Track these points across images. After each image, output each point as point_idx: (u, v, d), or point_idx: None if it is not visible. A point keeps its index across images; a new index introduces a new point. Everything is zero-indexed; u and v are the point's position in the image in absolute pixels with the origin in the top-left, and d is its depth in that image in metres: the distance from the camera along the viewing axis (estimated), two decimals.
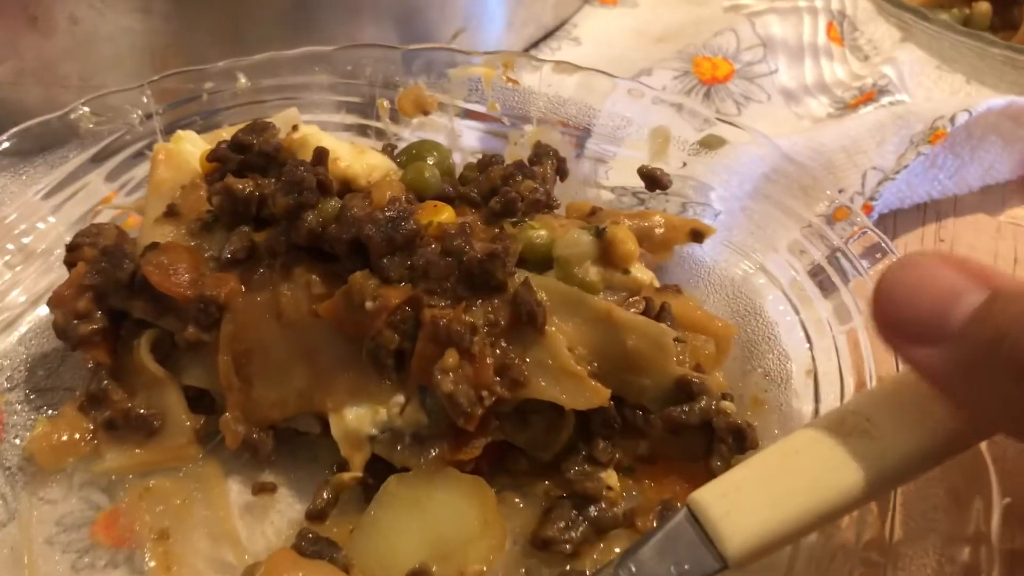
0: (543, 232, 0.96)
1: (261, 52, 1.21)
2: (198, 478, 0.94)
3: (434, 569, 0.82)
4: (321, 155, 0.97)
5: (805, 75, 1.47)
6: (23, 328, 1.04)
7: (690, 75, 1.43)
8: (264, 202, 0.96)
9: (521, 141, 1.18)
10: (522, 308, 0.88)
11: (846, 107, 1.41)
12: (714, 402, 0.89)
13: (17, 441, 0.96)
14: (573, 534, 0.85)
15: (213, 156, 1.03)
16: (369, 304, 0.87)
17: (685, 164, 1.12)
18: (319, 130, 1.07)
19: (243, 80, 1.19)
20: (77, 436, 0.95)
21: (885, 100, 1.37)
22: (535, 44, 1.57)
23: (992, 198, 1.30)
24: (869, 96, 1.39)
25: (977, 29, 1.49)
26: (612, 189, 1.17)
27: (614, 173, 1.17)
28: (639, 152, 1.14)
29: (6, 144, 1.08)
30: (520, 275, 0.91)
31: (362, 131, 1.22)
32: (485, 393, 0.84)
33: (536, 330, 0.88)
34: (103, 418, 0.95)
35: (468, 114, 1.22)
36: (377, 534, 0.85)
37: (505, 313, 0.89)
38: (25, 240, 1.08)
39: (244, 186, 0.96)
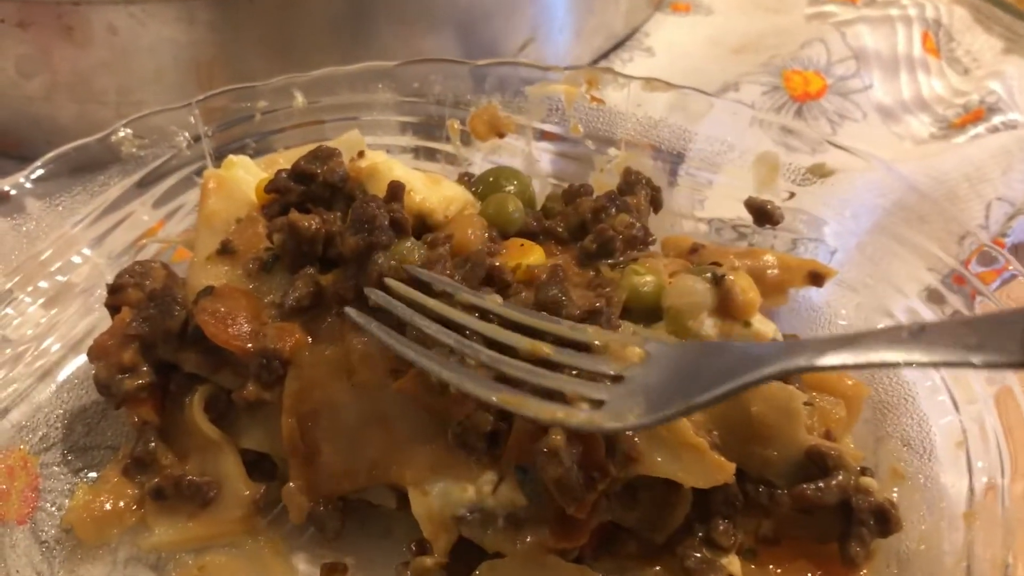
0: (650, 279, 0.84)
1: (313, 64, 1.10)
2: (258, 555, 0.84)
3: None
4: (396, 191, 0.86)
5: (902, 90, 1.35)
6: (60, 377, 0.94)
7: (780, 91, 1.31)
8: (331, 240, 0.85)
9: (608, 167, 1.07)
10: None
11: (950, 126, 1.29)
12: (853, 478, 0.78)
13: (54, 510, 0.86)
14: None
15: (272, 187, 0.92)
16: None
17: (793, 195, 1.01)
18: (387, 156, 0.95)
19: (300, 98, 1.08)
20: (121, 505, 0.85)
21: (997, 120, 1.24)
22: (605, 55, 1.45)
23: None
24: (978, 115, 1.27)
25: None
26: (709, 221, 1.05)
27: (711, 203, 1.05)
28: (740, 180, 1.03)
29: (40, 171, 0.97)
30: (626, 328, 0.80)
31: (429, 154, 1.11)
32: (596, 475, 0.73)
33: None
34: (151, 485, 0.85)
35: (546, 138, 1.10)
36: None
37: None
38: (61, 278, 0.97)
39: (310, 223, 0.85)
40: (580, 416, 0.71)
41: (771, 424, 0.78)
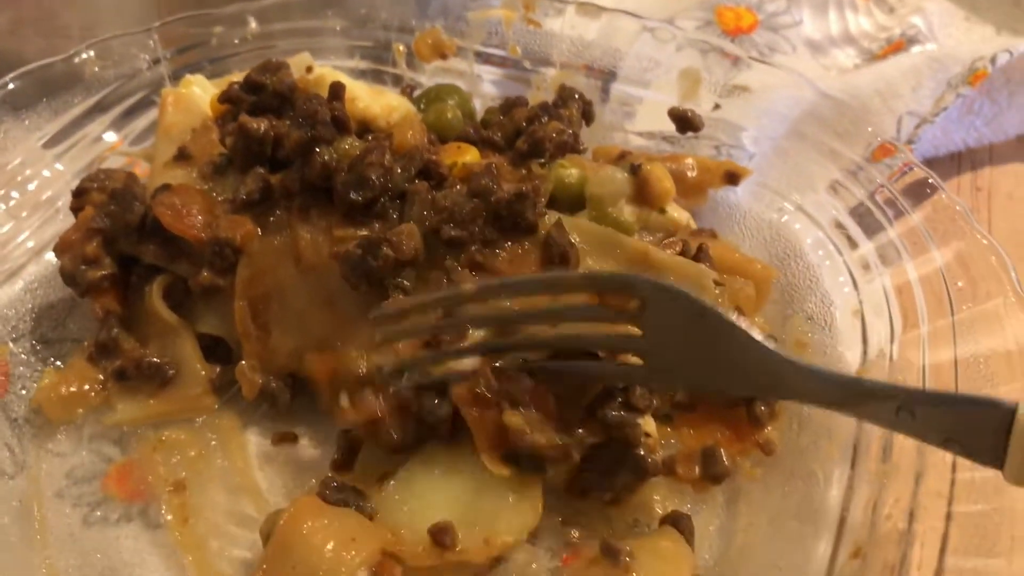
0: (574, 171, 0.92)
1: None
2: (215, 429, 0.90)
3: (460, 532, 0.77)
4: (337, 90, 0.92)
5: (830, 26, 1.42)
6: (28, 276, 0.99)
7: (713, 25, 1.38)
8: (280, 142, 0.92)
9: (544, 86, 1.14)
10: (554, 250, 0.84)
11: (873, 58, 1.36)
12: None
13: (24, 392, 0.91)
14: (612, 480, 0.81)
15: (225, 97, 0.98)
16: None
17: (718, 106, 1.08)
18: (334, 70, 1.02)
19: (253, 24, 1.14)
20: (87, 387, 0.91)
21: (915, 50, 1.31)
22: None
23: None
24: (898, 45, 1.34)
25: None
26: (640, 134, 1.12)
27: (641, 117, 1.12)
28: (668, 95, 1.10)
29: (10, 86, 1.03)
30: (551, 216, 0.87)
31: (377, 77, 1.17)
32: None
33: None
34: (114, 368, 0.91)
35: (487, 59, 1.17)
36: (409, 491, 0.80)
37: (536, 256, 0.85)
38: (30, 187, 1.03)
39: (259, 125, 0.91)
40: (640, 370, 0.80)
41: None
